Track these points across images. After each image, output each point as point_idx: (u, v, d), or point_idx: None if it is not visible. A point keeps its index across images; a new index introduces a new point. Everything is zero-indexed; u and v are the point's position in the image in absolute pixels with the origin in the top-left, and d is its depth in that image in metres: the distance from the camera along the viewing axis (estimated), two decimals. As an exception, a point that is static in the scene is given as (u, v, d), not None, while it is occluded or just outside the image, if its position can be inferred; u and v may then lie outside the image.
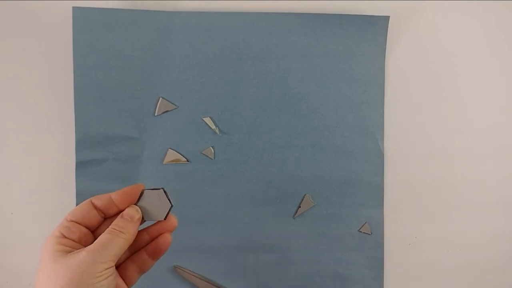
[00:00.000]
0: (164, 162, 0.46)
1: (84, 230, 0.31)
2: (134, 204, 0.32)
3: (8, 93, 0.47)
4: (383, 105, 0.48)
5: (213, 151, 0.47)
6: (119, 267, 0.32)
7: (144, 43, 0.46)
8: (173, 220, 0.33)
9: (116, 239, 0.29)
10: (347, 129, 0.47)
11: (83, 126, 0.46)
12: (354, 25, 0.47)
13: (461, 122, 0.49)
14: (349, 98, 0.47)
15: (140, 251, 0.33)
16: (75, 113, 0.46)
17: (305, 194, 0.47)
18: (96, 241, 0.29)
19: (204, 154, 0.47)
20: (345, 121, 0.47)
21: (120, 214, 0.31)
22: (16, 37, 0.47)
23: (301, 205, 0.47)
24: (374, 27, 0.47)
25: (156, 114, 0.46)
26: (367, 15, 0.47)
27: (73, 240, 0.30)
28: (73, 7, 0.45)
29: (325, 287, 0.47)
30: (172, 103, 0.46)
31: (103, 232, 0.30)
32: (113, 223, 0.30)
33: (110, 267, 0.28)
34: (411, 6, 0.48)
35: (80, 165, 0.46)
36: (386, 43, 0.47)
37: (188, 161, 0.47)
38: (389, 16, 0.47)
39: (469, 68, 0.49)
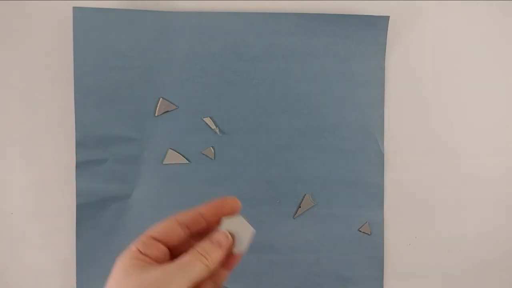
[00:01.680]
0: (164, 163, 0.46)
1: (163, 248, 0.28)
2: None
3: (8, 93, 0.47)
4: (383, 105, 0.48)
5: (213, 152, 0.47)
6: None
7: (144, 43, 0.46)
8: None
9: (197, 263, 0.27)
10: (347, 129, 0.47)
11: (83, 126, 0.46)
12: (354, 25, 0.47)
13: (461, 122, 0.49)
14: (349, 98, 0.47)
15: None
16: (75, 113, 0.46)
17: (305, 194, 0.47)
18: (176, 260, 0.27)
19: (204, 155, 0.47)
20: (345, 122, 0.47)
21: (209, 236, 0.29)
22: (16, 37, 0.46)
23: (301, 205, 0.47)
24: (374, 27, 0.47)
25: (156, 115, 0.46)
26: (367, 15, 0.47)
27: (150, 257, 0.27)
28: (73, 7, 0.45)
29: (325, 287, 0.47)
30: (172, 103, 0.46)
31: (184, 251, 0.28)
32: (199, 244, 0.28)
33: None
34: (411, 6, 0.48)
35: (80, 165, 0.46)
36: (386, 43, 0.47)
37: (188, 162, 0.47)
38: (389, 16, 0.47)
39: (469, 68, 0.49)
